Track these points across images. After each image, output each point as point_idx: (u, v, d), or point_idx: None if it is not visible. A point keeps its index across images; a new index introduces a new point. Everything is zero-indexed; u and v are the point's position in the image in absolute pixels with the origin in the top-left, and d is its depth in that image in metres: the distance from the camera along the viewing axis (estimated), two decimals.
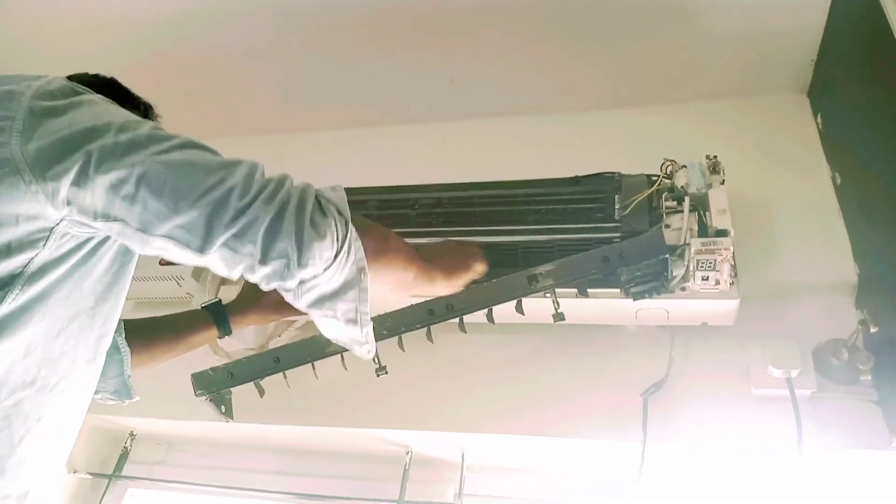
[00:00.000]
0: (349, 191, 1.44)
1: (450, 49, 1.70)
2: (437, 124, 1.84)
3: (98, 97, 0.75)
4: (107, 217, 0.68)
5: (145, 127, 0.70)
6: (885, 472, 1.18)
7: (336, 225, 0.71)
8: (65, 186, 0.66)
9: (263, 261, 0.68)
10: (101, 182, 0.66)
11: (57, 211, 0.68)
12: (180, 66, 1.87)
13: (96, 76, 1.02)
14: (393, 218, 1.37)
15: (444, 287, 1.00)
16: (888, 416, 1.13)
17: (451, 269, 1.00)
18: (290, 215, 0.68)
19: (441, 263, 0.98)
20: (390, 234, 0.85)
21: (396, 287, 0.87)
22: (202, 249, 0.67)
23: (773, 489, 1.20)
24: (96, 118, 0.69)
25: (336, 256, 0.71)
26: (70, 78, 0.99)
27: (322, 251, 0.69)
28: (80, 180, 0.66)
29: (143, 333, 1.11)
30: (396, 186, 1.45)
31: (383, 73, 1.78)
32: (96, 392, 1.02)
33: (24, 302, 0.69)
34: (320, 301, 0.74)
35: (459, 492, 1.44)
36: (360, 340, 0.81)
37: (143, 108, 1.05)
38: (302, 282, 0.71)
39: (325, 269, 0.70)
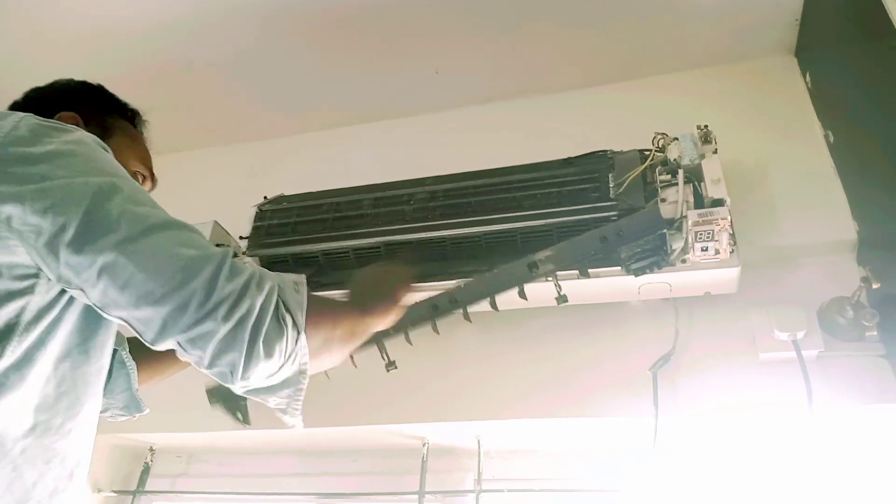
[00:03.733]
0: (342, 191, 1.47)
1: (432, 40, 1.69)
2: (426, 116, 1.84)
3: (72, 137, 0.73)
4: (69, 284, 0.69)
5: (118, 199, 0.69)
6: None
7: (287, 341, 0.72)
8: (35, 245, 0.67)
9: (210, 366, 0.69)
10: (66, 259, 0.66)
11: (33, 261, 0.69)
12: (166, 77, 1.86)
13: (83, 83, 1.02)
14: (389, 216, 1.37)
15: (381, 326, 0.99)
16: None
17: (385, 311, 0.98)
18: (244, 333, 0.68)
19: (374, 308, 0.95)
20: (339, 320, 0.84)
21: (336, 362, 0.87)
22: (153, 343, 0.69)
23: (787, 451, 1.21)
24: (72, 175, 0.68)
25: (280, 369, 0.72)
26: (56, 84, 1.00)
27: (267, 368, 0.71)
28: (49, 246, 0.66)
29: (146, 348, 1.11)
30: (390, 183, 1.45)
31: (368, 70, 1.77)
32: (104, 410, 1.02)
33: (23, 352, 0.69)
34: (254, 392, 0.75)
35: (478, 478, 1.45)
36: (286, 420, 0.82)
37: (130, 114, 1.05)
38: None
39: (266, 378, 0.73)
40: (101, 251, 0.66)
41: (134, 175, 0.98)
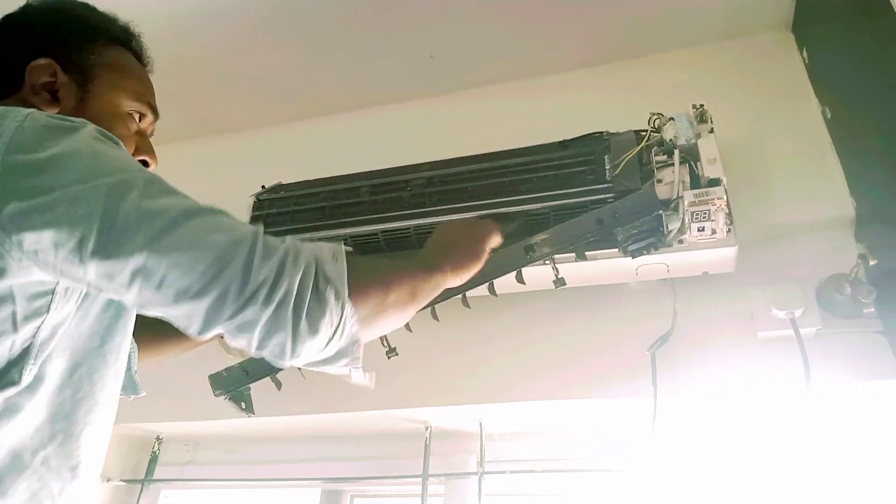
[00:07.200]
0: (339, 179, 1.47)
1: (426, 23, 1.68)
2: (421, 101, 1.83)
3: (77, 137, 0.68)
4: (99, 290, 0.67)
5: (133, 197, 0.64)
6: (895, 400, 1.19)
7: (331, 315, 0.70)
8: (56, 259, 0.63)
9: (259, 349, 0.68)
10: (95, 268, 0.63)
11: (52, 277, 0.66)
12: (160, 68, 1.84)
13: (58, 8, 0.88)
14: (386, 202, 1.37)
15: (456, 283, 0.96)
16: (894, 345, 1.14)
17: (460, 267, 0.95)
18: (287, 314, 0.66)
19: (446, 265, 0.92)
20: (391, 285, 0.80)
21: (397, 325, 0.85)
22: (199, 334, 0.67)
23: (786, 428, 1.22)
24: (81, 180, 0.64)
25: (329, 342, 0.71)
26: (28, 15, 0.86)
27: (316, 344, 0.69)
28: (72, 258, 0.63)
29: (150, 330, 1.06)
30: (387, 169, 1.45)
31: (362, 56, 1.76)
32: None
33: (38, 371, 0.67)
34: (311, 365, 0.74)
35: (481, 460, 1.47)
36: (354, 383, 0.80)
37: (121, 34, 0.93)
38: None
39: (318, 353, 0.72)
40: (129, 255, 0.62)
41: (129, 116, 0.88)
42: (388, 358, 1.24)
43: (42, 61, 0.82)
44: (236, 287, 0.65)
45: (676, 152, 1.21)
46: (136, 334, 1.03)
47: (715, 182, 1.16)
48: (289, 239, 0.72)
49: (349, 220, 1.39)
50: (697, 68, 1.59)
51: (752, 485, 1.23)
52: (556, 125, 1.40)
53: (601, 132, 1.34)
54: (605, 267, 1.25)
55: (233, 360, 1.37)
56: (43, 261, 0.63)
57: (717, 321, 1.27)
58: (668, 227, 1.17)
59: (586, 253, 1.20)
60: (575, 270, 1.22)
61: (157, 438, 1.79)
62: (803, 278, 1.23)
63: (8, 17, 0.86)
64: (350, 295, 0.71)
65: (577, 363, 1.31)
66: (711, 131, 1.22)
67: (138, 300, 0.65)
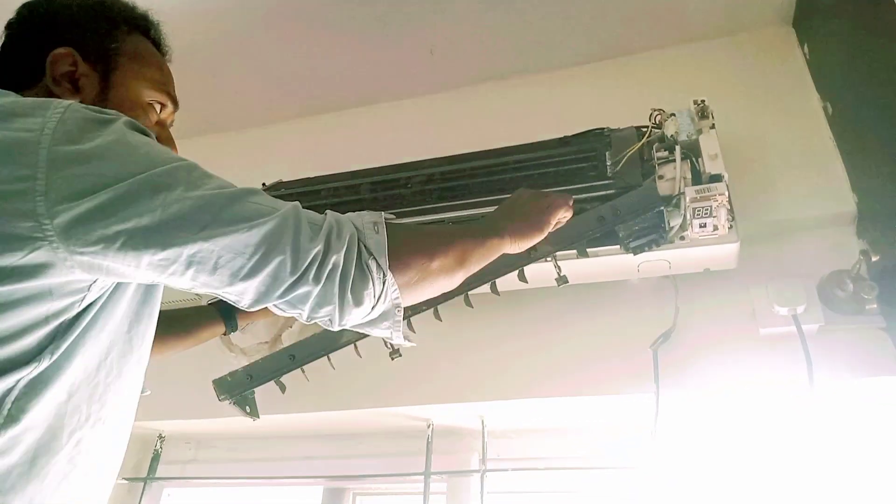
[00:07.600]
0: (340, 176, 1.47)
1: (427, 19, 1.67)
2: (422, 98, 1.83)
3: (115, 129, 0.67)
4: (147, 280, 0.69)
5: (179, 185, 0.66)
6: None
7: (373, 286, 0.73)
8: (103, 260, 0.63)
9: (308, 320, 0.73)
10: (147, 260, 0.64)
11: (92, 276, 0.66)
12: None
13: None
14: (387, 199, 1.37)
15: (516, 249, 0.96)
16: None
17: (522, 233, 0.95)
18: (334, 288, 0.70)
19: (505, 231, 0.93)
20: (435, 252, 0.81)
21: (448, 287, 0.85)
22: (250, 308, 0.71)
23: (789, 425, 1.22)
24: (126, 174, 0.64)
25: (373, 309, 0.75)
26: (52, 2, 0.85)
27: (360, 312, 0.74)
28: (123, 255, 0.63)
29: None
30: (387, 166, 1.45)
31: (362, 53, 1.76)
32: None
33: (62, 351, 0.67)
34: (356, 327, 0.78)
35: (483, 458, 1.47)
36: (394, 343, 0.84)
37: (140, 23, 0.91)
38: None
39: (363, 318, 0.76)
40: (184, 243, 0.64)
41: (149, 106, 0.87)
42: (392, 359, 1.23)
43: (62, 50, 0.81)
44: (289, 265, 0.68)
45: (678, 148, 1.20)
46: None
47: (716, 178, 1.15)
48: (329, 212, 0.76)
49: None
50: (698, 64, 1.59)
51: (754, 481, 1.23)
52: (557, 121, 1.40)
53: (602, 128, 1.33)
54: (607, 264, 1.25)
55: (235, 359, 1.37)
56: (88, 263, 0.64)
57: (720, 318, 1.27)
58: (669, 224, 1.17)
59: (588, 250, 1.20)
60: (577, 268, 1.22)
61: (160, 436, 1.79)
62: (805, 275, 1.23)
63: (27, 6, 0.85)
64: (391, 264, 0.75)
65: (579, 361, 1.31)
66: (713, 127, 1.22)
67: (192, 284, 0.68)
